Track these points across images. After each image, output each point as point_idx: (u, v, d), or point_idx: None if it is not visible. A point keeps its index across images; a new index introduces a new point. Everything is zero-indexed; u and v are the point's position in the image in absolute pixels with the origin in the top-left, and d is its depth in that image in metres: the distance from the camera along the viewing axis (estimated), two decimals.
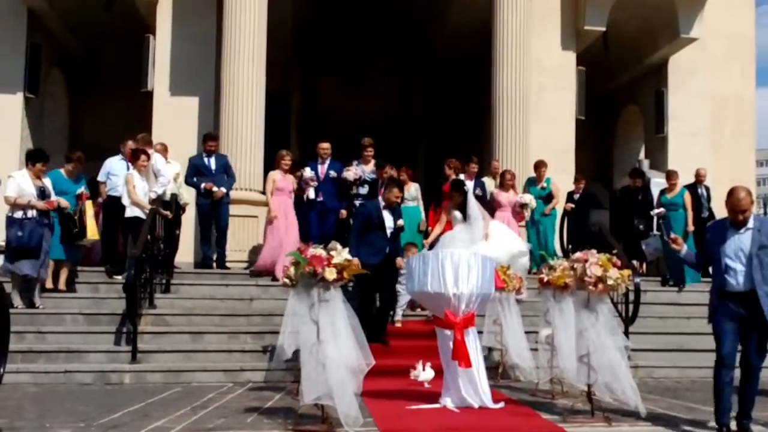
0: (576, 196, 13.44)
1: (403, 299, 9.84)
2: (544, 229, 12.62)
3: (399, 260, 9.43)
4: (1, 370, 5.06)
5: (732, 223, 5.89)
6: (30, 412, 6.61)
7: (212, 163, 11.59)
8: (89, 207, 10.44)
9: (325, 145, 11.93)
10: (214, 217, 11.55)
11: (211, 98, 13.61)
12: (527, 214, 12.29)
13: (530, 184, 12.91)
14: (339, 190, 11.84)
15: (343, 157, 12.35)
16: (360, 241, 9.04)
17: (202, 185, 11.37)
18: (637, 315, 9.77)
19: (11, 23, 14.17)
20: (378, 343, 8.42)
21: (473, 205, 10.08)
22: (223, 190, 11.47)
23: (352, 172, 11.64)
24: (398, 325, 9.83)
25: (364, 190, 11.86)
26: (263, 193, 12.09)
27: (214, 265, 11.56)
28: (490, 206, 11.78)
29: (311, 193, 11.54)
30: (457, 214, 10.11)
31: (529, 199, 12.21)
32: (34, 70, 14.36)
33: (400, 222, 9.52)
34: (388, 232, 9.27)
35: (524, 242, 10.77)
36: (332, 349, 5.76)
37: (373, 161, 12.03)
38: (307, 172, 11.51)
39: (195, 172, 11.50)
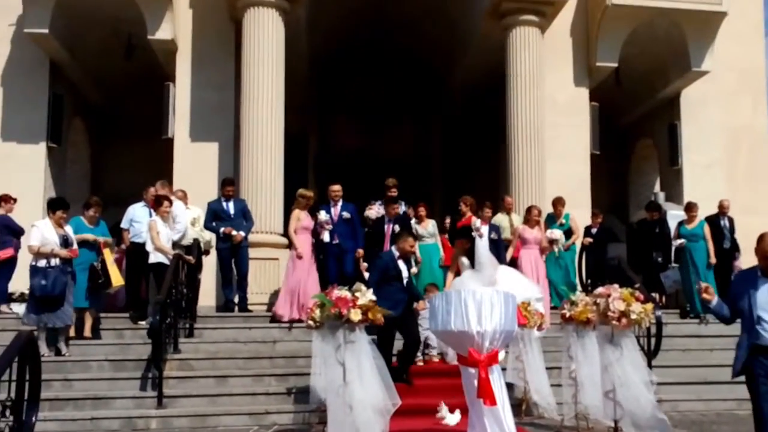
0: (594, 231, 13.47)
1: (429, 333, 9.66)
2: (565, 264, 12.53)
3: (420, 303, 9.32)
4: (33, 419, 5.11)
5: (763, 271, 5.50)
6: None
7: (231, 207, 11.73)
8: (108, 255, 10.53)
9: (336, 188, 11.87)
10: (234, 261, 11.65)
11: (230, 143, 13.81)
12: (557, 249, 12.32)
13: (550, 221, 12.86)
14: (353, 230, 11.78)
15: (362, 197, 12.46)
16: (378, 294, 8.92)
17: (221, 230, 11.51)
18: (660, 348, 9.75)
19: (34, 75, 14.42)
20: (402, 383, 8.42)
21: (482, 251, 10.02)
22: (242, 234, 11.56)
23: (374, 211, 11.70)
24: (420, 363, 9.78)
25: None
26: (283, 235, 12.19)
27: (236, 308, 11.62)
28: (506, 246, 11.86)
29: (326, 237, 11.49)
30: (465, 260, 10.19)
31: (558, 234, 12.29)
32: (56, 120, 14.55)
33: (414, 270, 9.58)
34: (404, 282, 9.15)
35: (537, 288, 10.28)
36: (359, 390, 5.82)
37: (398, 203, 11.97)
38: (323, 216, 11.51)
39: (214, 216, 11.63)
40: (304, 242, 11.32)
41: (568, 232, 12.77)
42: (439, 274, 11.59)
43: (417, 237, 11.81)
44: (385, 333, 8.72)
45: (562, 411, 7.97)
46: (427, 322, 9.20)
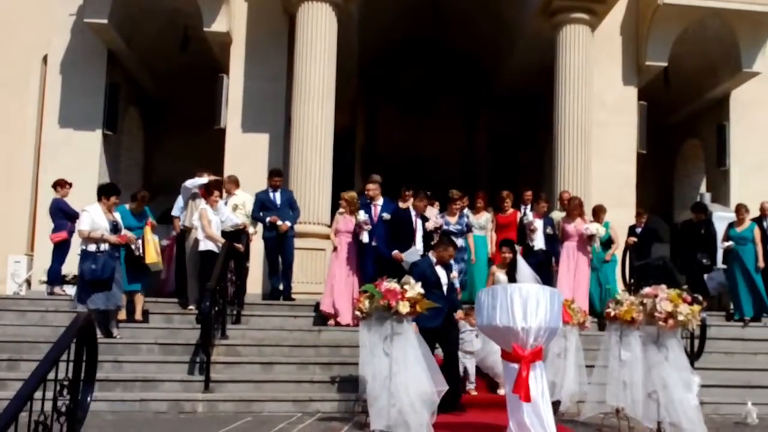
0: (638, 230, 13.41)
1: (470, 363, 9.18)
2: (605, 276, 12.15)
3: (459, 313, 8.87)
4: (89, 399, 5.27)
5: None
6: None
7: (277, 198, 11.81)
8: (148, 232, 10.62)
9: (371, 186, 11.45)
10: (279, 251, 11.74)
11: (280, 135, 14.00)
12: (597, 245, 11.81)
13: None
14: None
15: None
16: None
17: (267, 219, 11.58)
18: (703, 350, 9.74)
19: (92, 64, 14.75)
20: (455, 411, 7.99)
21: (523, 269, 9.57)
22: (288, 223, 11.60)
23: (432, 222, 10.93)
24: (473, 393, 9.12)
25: (459, 241, 11.18)
26: (329, 226, 12.35)
27: (281, 297, 11.74)
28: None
29: (365, 237, 11.04)
30: (502, 276, 9.63)
31: (596, 228, 11.58)
32: (112, 108, 14.87)
33: (454, 274, 8.93)
34: (444, 289, 8.56)
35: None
36: (403, 380, 5.94)
37: (458, 213, 11.61)
38: (361, 216, 11.01)
39: (261, 206, 11.72)
40: (344, 244, 11.18)
41: (609, 242, 12.30)
42: (486, 271, 11.37)
43: (469, 228, 11.78)
44: (430, 346, 7.85)
45: (602, 410, 7.93)
46: (468, 345, 9.06)
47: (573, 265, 11.53)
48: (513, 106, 18.62)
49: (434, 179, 12.89)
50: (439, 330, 8.12)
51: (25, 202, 17.42)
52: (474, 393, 9.06)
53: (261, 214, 11.72)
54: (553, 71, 14.08)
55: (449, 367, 8.13)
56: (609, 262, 12.35)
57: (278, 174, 12.06)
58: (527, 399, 6.67)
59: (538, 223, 11.44)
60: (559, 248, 11.58)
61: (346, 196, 11.42)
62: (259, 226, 11.90)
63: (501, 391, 8.49)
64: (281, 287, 11.82)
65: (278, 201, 11.84)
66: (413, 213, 10.72)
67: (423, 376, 5.98)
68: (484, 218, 12.13)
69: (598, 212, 12.32)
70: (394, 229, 10.70)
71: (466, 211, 11.89)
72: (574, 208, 11.73)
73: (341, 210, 11.37)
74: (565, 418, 8.41)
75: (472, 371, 9.15)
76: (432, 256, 8.77)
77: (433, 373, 6.12)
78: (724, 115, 16.30)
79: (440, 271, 8.58)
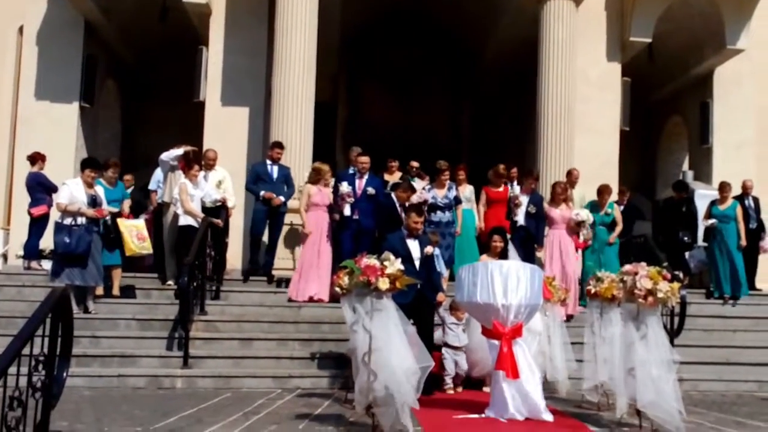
0: (621, 208, 13.39)
1: (461, 359, 8.75)
2: (606, 260, 11.45)
3: (441, 296, 8.65)
4: (65, 374, 5.22)
5: None
6: (88, 416, 6.75)
7: (275, 171, 11.59)
8: (122, 223, 10.53)
9: (364, 159, 11.03)
10: (268, 225, 11.55)
11: (261, 108, 13.81)
12: (586, 233, 11.32)
13: (592, 210, 11.84)
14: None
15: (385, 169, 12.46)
16: None
17: (262, 193, 11.35)
18: (683, 328, 9.76)
19: (69, 35, 14.53)
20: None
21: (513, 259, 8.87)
22: (282, 198, 11.43)
23: (416, 196, 10.60)
24: (450, 392, 8.62)
25: (438, 217, 10.97)
26: None
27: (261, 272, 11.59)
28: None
29: (347, 210, 10.76)
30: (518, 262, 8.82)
31: (585, 215, 11.13)
32: (89, 80, 14.69)
33: (428, 249, 8.37)
34: (416, 264, 8.15)
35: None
36: (385, 357, 5.88)
37: (447, 185, 11.24)
38: (345, 187, 10.73)
39: (256, 178, 11.50)
40: (315, 219, 10.82)
41: (613, 224, 11.93)
42: (474, 245, 11.30)
43: (458, 201, 11.26)
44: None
45: (582, 386, 7.94)
46: (454, 339, 8.73)
47: (558, 254, 11.02)
48: (497, 82, 18.53)
49: (417, 156, 12.73)
50: (410, 306, 7.56)
51: (1, 176, 17.22)
52: (450, 392, 8.63)
53: (256, 186, 11.46)
54: (536, 47, 13.95)
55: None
56: (612, 245, 11.91)
57: (280, 146, 11.80)
58: (515, 376, 6.68)
59: (524, 199, 11.18)
60: (543, 230, 11.19)
61: (322, 167, 11.12)
62: (240, 200, 11.75)
63: (486, 389, 8.24)
64: (262, 263, 11.64)
65: (275, 175, 11.58)
66: (396, 204, 10.36)
67: (405, 353, 5.92)
68: (468, 190, 11.88)
69: (603, 192, 11.98)
70: (380, 217, 10.53)
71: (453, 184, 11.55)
72: (558, 193, 11.26)
73: (308, 182, 11.07)
74: (546, 395, 8.40)
75: (464, 367, 8.73)
76: (403, 229, 8.45)
77: (418, 349, 6.06)
78: (707, 92, 16.27)
79: (412, 244, 8.24)
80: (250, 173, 11.60)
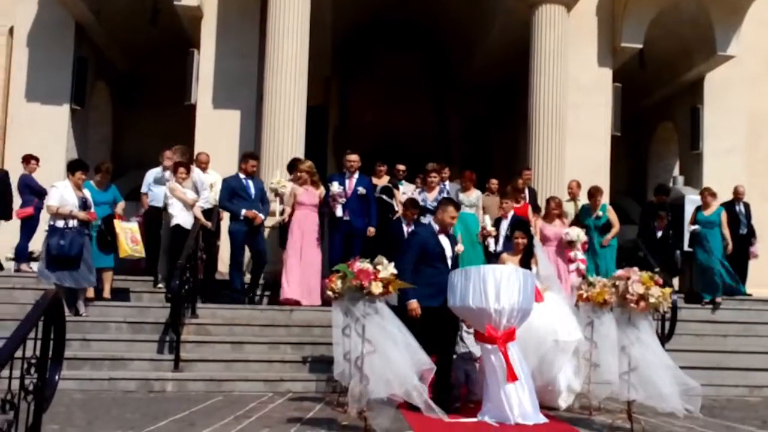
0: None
1: (460, 374, 7.98)
2: (604, 263, 11.42)
3: None
4: (57, 377, 5.19)
5: None
6: (79, 419, 6.71)
7: (251, 186, 10.74)
8: (117, 224, 10.46)
9: (353, 158, 10.85)
10: (249, 245, 10.79)
11: (252, 111, 13.81)
12: (577, 254, 10.74)
13: (584, 213, 11.92)
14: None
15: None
16: (417, 279, 7.09)
17: (243, 211, 10.51)
18: (674, 332, 9.79)
19: (60, 37, 14.51)
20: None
21: (542, 257, 8.61)
22: (262, 216, 10.70)
23: (407, 196, 10.54)
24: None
25: (428, 219, 9.97)
26: None
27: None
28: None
29: (339, 211, 10.57)
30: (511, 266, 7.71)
31: (576, 234, 10.67)
32: (80, 82, 14.68)
33: (459, 248, 7.93)
34: (449, 263, 7.52)
35: (579, 329, 7.74)
36: (378, 361, 5.87)
37: (437, 188, 11.03)
38: (336, 187, 10.53)
39: (231, 194, 10.63)
40: (299, 218, 10.45)
41: (606, 226, 11.74)
42: (479, 249, 10.95)
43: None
44: (425, 330, 6.86)
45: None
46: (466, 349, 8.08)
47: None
48: (487, 87, 18.55)
49: (407, 161, 12.71)
50: (440, 312, 7.16)
51: None
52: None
53: (233, 203, 10.64)
54: (528, 52, 13.97)
55: (443, 364, 7.01)
56: (607, 247, 11.75)
57: (254, 158, 11.05)
58: (512, 378, 6.68)
59: (503, 223, 10.68)
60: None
61: (306, 166, 10.79)
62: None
63: None
64: (246, 285, 10.96)
65: (252, 190, 10.72)
66: (403, 223, 9.86)
67: (399, 358, 5.89)
68: (475, 195, 11.55)
69: (595, 194, 11.79)
70: (385, 244, 9.46)
71: (447, 186, 11.52)
72: (552, 209, 11.00)
73: (290, 181, 10.80)
74: None
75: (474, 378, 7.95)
76: (434, 223, 7.77)
77: (414, 354, 6.03)
78: (698, 98, 16.35)
79: (444, 241, 7.56)
80: (224, 189, 10.66)
